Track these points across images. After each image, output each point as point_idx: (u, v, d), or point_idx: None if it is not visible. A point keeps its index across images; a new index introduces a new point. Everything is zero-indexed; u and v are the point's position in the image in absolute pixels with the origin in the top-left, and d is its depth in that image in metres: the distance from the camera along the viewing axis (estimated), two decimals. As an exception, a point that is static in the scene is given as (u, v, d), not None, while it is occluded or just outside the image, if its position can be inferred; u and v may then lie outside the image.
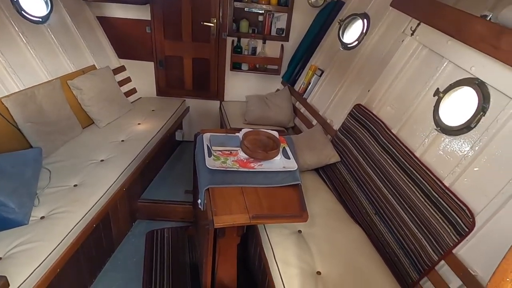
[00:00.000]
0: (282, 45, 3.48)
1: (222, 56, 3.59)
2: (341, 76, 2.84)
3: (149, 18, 3.44)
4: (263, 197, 1.91)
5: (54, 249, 1.84)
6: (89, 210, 2.14)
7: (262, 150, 2.19)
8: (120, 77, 3.55)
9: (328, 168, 2.59)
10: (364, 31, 2.73)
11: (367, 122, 2.39)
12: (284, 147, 2.32)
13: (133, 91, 3.70)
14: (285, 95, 3.44)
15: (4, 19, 2.50)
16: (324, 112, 2.93)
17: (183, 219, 3.01)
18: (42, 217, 2.00)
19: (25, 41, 2.62)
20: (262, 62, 3.52)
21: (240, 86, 3.73)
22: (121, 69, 3.62)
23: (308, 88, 3.20)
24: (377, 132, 2.28)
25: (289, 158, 2.22)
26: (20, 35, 2.60)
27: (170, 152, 3.73)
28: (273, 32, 3.49)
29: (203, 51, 3.61)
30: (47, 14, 2.85)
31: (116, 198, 2.45)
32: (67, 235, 1.94)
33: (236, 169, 2.05)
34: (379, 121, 2.30)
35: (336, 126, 2.71)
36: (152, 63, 3.68)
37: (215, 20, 3.41)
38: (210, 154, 2.15)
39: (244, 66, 3.56)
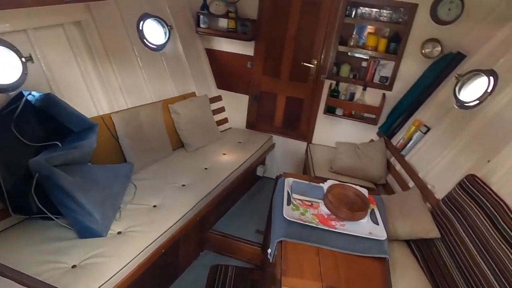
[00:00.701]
0: (383, 94, 3.23)
1: (317, 98, 3.48)
2: (452, 138, 2.46)
3: (252, 54, 3.55)
4: (342, 265, 1.66)
5: (121, 269, 1.84)
6: (161, 234, 2.13)
7: (347, 209, 1.96)
8: (215, 106, 3.69)
9: (423, 242, 2.19)
10: (488, 90, 2.34)
11: (483, 198, 1.97)
12: (373, 209, 2.05)
13: (224, 120, 3.81)
14: (380, 148, 3.13)
15: (128, 44, 2.81)
16: (425, 175, 2.55)
17: (250, 260, 2.86)
18: (119, 232, 2.06)
19: (140, 65, 2.90)
20: (359, 109, 3.31)
21: (331, 131, 3.55)
22: (218, 98, 3.77)
23: (409, 145, 2.85)
24: (496, 213, 1.85)
25: (378, 224, 1.94)
26: (138, 59, 2.88)
27: (248, 187, 3.68)
28: (376, 80, 3.27)
29: (299, 91, 3.56)
30: (164, 43, 3.13)
31: (189, 226, 2.43)
32: (136, 256, 1.94)
33: (315, 225, 1.85)
34: (500, 201, 1.87)
35: (439, 194, 2.32)
36: (247, 96, 3.76)
37: (316, 62, 3.35)
38: (289, 203, 1.99)
39: (339, 111, 3.39)
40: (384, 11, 3.02)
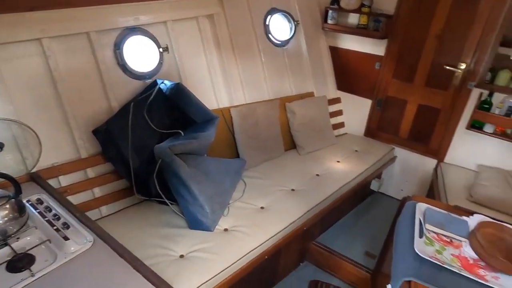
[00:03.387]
0: (558, 112, 2.48)
1: (459, 109, 2.89)
2: None
3: (382, 54, 3.16)
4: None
5: (225, 269, 1.77)
6: (267, 240, 2.01)
7: (504, 257, 1.50)
8: (332, 108, 3.43)
9: None
10: None
11: None
12: (541, 263, 1.53)
13: (341, 125, 3.52)
14: (544, 180, 2.43)
15: (253, 38, 2.77)
16: None
17: (354, 283, 2.54)
18: (226, 229, 2.01)
19: (263, 60, 2.84)
20: (519, 128, 2.61)
21: (472, 151, 2.92)
22: (336, 100, 3.50)
23: None
24: None
25: (549, 286, 1.42)
26: (261, 54, 2.82)
27: (359, 201, 3.32)
28: (548, 92, 2.54)
29: (435, 99, 3.02)
30: (288, 39, 3.02)
31: (295, 235, 2.25)
32: (240, 259, 1.85)
33: (456, 270, 1.45)
34: None
35: None
36: (370, 101, 3.38)
37: (464, 66, 2.77)
38: (421, 235, 1.63)
39: (488, 128, 2.74)
40: None
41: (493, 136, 2.75)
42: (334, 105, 3.47)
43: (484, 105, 2.72)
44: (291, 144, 3.00)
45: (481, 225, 1.64)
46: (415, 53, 3.00)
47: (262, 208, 2.22)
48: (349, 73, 3.40)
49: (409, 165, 3.34)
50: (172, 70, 2.34)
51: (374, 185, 3.32)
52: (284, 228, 2.11)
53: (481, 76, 2.72)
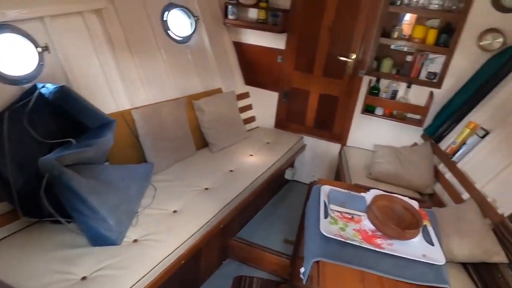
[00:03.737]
0: (431, 92, 2.87)
1: (354, 95, 3.16)
2: (519, 144, 2.09)
3: (283, 48, 3.28)
4: (391, 295, 1.38)
5: (136, 282, 1.64)
6: (181, 244, 1.92)
7: (395, 225, 1.66)
8: (242, 103, 3.46)
9: (485, 268, 1.85)
10: None
11: None
12: (425, 226, 1.74)
13: (252, 119, 3.57)
14: (426, 153, 2.78)
15: (151, 35, 2.62)
16: (483, 186, 2.19)
17: (276, 272, 2.60)
18: (135, 240, 1.86)
19: (164, 58, 2.71)
20: (402, 109, 2.96)
21: (368, 132, 3.22)
22: (245, 95, 3.53)
23: (461, 150, 2.49)
24: None
25: (433, 244, 1.63)
26: (162, 52, 2.69)
27: (275, 191, 3.42)
28: (422, 76, 2.91)
29: (333, 88, 3.25)
30: (189, 35, 2.93)
31: (212, 234, 2.20)
32: (153, 269, 1.73)
33: (358, 243, 1.56)
34: None
35: (504, 210, 1.96)
36: (277, 93, 3.50)
37: (354, 56, 3.03)
38: (326, 215, 1.72)
39: (379, 111, 3.05)
40: (435, -3, 2.67)
41: (383, 118, 3.07)
42: (244, 100, 3.50)
43: (373, 91, 3.02)
44: (203, 143, 2.93)
45: (375, 198, 1.79)
46: (312, 46, 3.18)
47: (174, 211, 2.12)
48: (254, 67, 3.46)
49: (318, 151, 3.55)
50: (56, 72, 2.07)
51: (288, 174, 3.46)
52: (199, 229, 2.05)
53: (369, 64, 3.01)
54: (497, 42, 2.53)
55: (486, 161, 2.28)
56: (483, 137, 2.38)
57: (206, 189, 2.39)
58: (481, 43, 2.60)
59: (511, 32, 2.51)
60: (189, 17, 2.92)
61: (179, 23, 2.88)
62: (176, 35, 2.83)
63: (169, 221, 2.03)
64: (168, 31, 2.76)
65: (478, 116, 2.54)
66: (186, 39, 2.92)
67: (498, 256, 1.78)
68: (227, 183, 2.48)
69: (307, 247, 1.61)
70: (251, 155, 2.94)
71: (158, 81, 2.69)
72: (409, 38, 2.84)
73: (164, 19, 2.72)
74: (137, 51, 2.50)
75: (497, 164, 2.17)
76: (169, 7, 2.75)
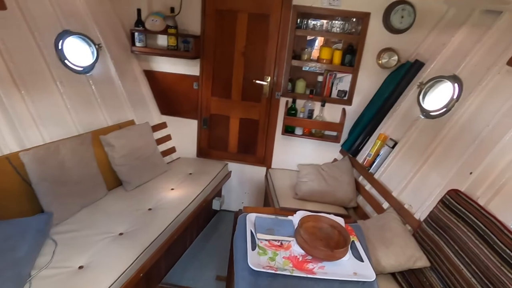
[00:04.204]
0: (343, 109, 3.01)
1: (273, 118, 3.18)
2: (422, 151, 2.25)
3: (198, 74, 3.18)
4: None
5: None
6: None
7: (325, 245, 1.61)
8: (159, 134, 3.23)
9: (411, 274, 1.89)
10: (455, 97, 2.18)
11: (471, 215, 1.73)
12: (353, 241, 1.72)
13: (172, 150, 3.35)
14: (345, 167, 2.87)
15: (43, 65, 2.30)
16: (399, 193, 2.30)
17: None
18: (27, 313, 1.50)
19: (61, 91, 2.39)
20: (319, 127, 3.04)
21: (291, 153, 3.24)
22: (162, 125, 3.32)
23: (376, 162, 2.62)
24: (489, 232, 1.61)
25: (362, 261, 1.60)
26: (58, 84, 2.38)
27: (203, 224, 3.20)
28: (334, 95, 3.06)
29: (253, 112, 3.23)
30: (91, 64, 2.66)
31: (131, 286, 1.90)
32: None
33: (289, 273, 1.46)
34: (492, 217, 1.63)
35: (420, 215, 2.06)
36: (196, 121, 3.35)
37: (269, 79, 3.06)
38: (254, 246, 1.60)
39: (298, 131, 3.10)
40: (336, 21, 2.85)
41: (303, 137, 3.12)
42: (161, 131, 3.28)
43: (291, 111, 3.06)
44: (115, 181, 2.62)
45: (302, 220, 1.72)
46: (227, 71, 3.14)
47: (80, 267, 1.79)
48: (170, 96, 3.29)
49: (244, 177, 3.46)
50: None
51: (215, 204, 3.28)
52: (112, 284, 1.74)
53: (284, 86, 3.07)
54: (393, 60, 2.77)
55: (399, 170, 2.41)
56: (393, 147, 2.53)
57: (121, 234, 2.10)
58: (379, 62, 2.82)
59: (402, 51, 2.77)
60: (90, 45, 2.66)
61: (78, 52, 2.60)
62: (75, 65, 2.53)
63: (74, 281, 1.70)
64: (65, 61, 2.46)
65: (386, 127, 2.71)
66: (88, 69, 2.64)
67: (421, 261, 1.82)
68: (146, 223, 2.21)
69: (238, 284, 1.46)
70: (172, 189, 2.71)
71: (56, 117, 2.35)
72: (318, 60, 2.97)
73: (59, 47, 2.43)
74: (25, 84, 2.16)
75: (408, 171, 2.30)
76: (63, 34, 2.46)
